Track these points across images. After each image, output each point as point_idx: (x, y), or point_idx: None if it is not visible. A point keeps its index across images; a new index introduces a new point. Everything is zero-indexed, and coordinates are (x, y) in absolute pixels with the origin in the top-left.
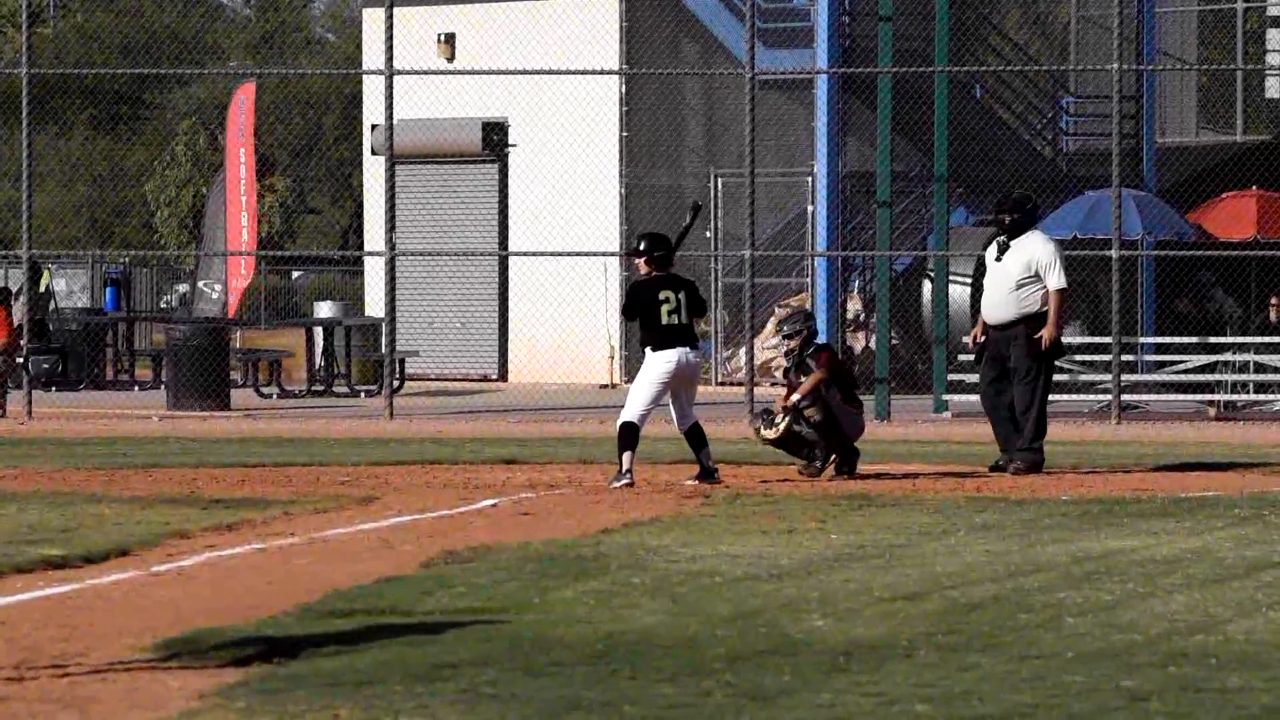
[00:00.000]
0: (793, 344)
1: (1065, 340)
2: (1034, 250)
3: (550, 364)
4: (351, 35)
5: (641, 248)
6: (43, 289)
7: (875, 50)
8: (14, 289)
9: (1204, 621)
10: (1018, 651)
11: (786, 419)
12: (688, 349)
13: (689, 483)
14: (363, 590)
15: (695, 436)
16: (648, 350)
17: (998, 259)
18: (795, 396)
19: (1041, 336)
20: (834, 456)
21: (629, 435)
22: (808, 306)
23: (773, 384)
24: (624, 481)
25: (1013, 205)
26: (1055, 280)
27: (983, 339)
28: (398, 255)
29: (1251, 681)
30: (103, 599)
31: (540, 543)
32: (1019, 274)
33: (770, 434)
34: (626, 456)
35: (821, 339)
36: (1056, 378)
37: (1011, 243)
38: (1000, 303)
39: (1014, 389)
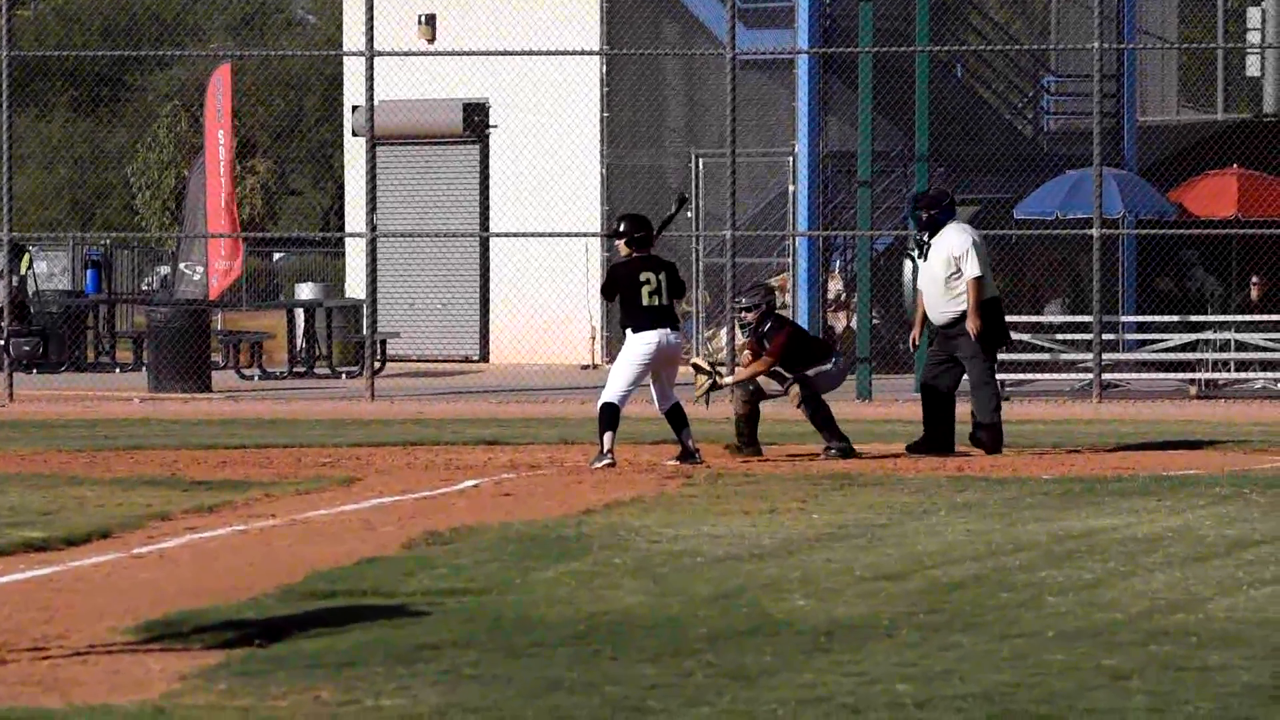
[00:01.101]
0: (750, 317)
1: (1050, 319)
2: (950, 242)
3: (531, 345)
4: (332, 16)
5: (621, 229)
6: (24, 271)
7: (856, 30)
8: None
9: (1185, 600)
10: (999, 630)
11: (708, 384)
12: (668, 330)
13: (670, 463)
14: (344, 572)
15: (676, 417)
16: (628, 331)
17: (923, 259)
18: (728, 379)
19: (978, 327)
20: (828, 441)
21: (610, 416)
22: (772, 281)
23: None
24: (605, 462)
25: (929, 201)
26: (971, 268)
27: (919, 342)
28: (379, 237)
29: (1232, 659)
30: (84, 581)
31: (522, 523)
32: (944, 271)
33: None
34: (607, 437)
35: (781, 314)
36: (1038, 356)
37: (932, 241)
38: (937, 304)
39: (968, 373)
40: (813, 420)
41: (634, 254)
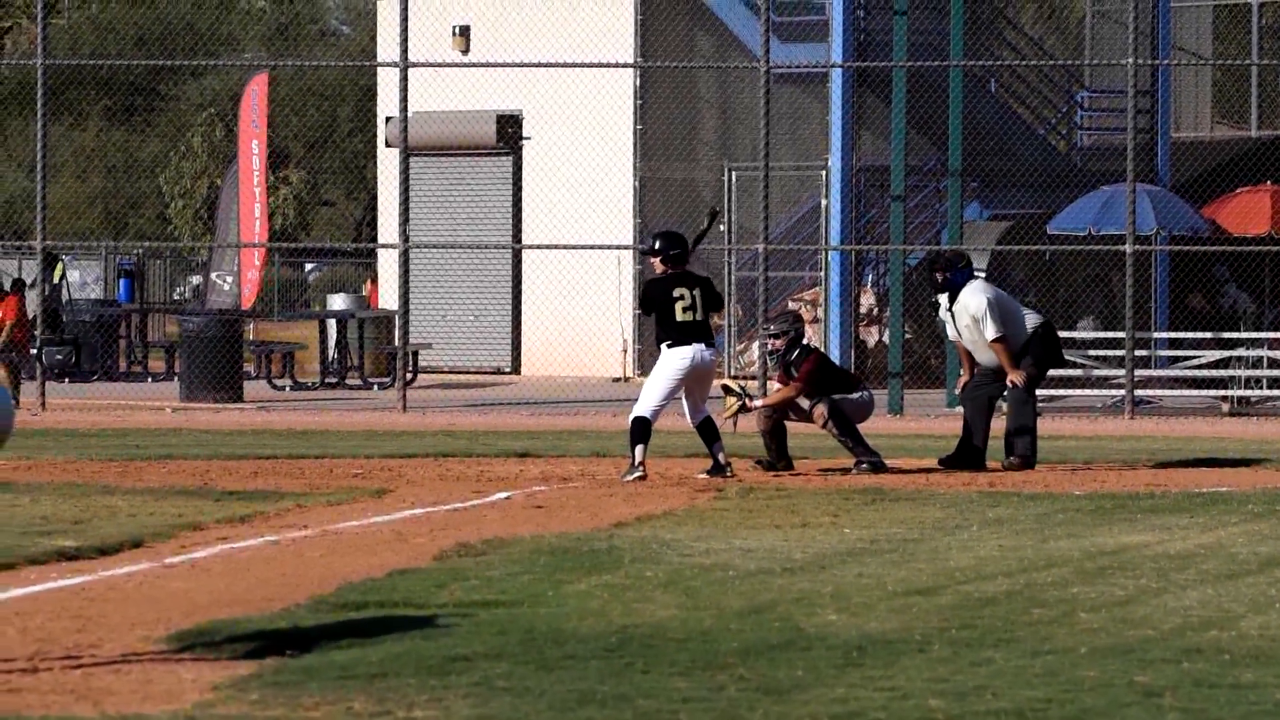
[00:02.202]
0: (778, 344)
1: (1083, 335)
2: (971, 307)
3: (563, 357)
4: (366, 27)
5: (657, 247)
6: (57, 280)
7: (890, 44)
8: (28, 280)
9: (1217, 617)
10: (1031, 646)
11: (737, 406)
12: (703, 346)
13: (701, 476)
14: (375, 583)
15: (708, 430)
16: (663, 347)
17: (951, 319)
18: (758, 403)
19: (1022, 377)
20: (859, 457)
21: (641, 429)
22: (801, 307)
23: None
24: (636, 475)
25: (944, 264)
26: (991, 331)
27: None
28: (411, 248)
29: (1265, 677)
30: (116, 590)
31: (553, 536)
32: (977, 334)
33: (729, 415)
34: (639, 450)
35: (806, 342)
36: (1070, 373)
37: (954, 308)
38: (987, 359)
39: (1008, 391)
40: (840, 439)
41: (668, 270)
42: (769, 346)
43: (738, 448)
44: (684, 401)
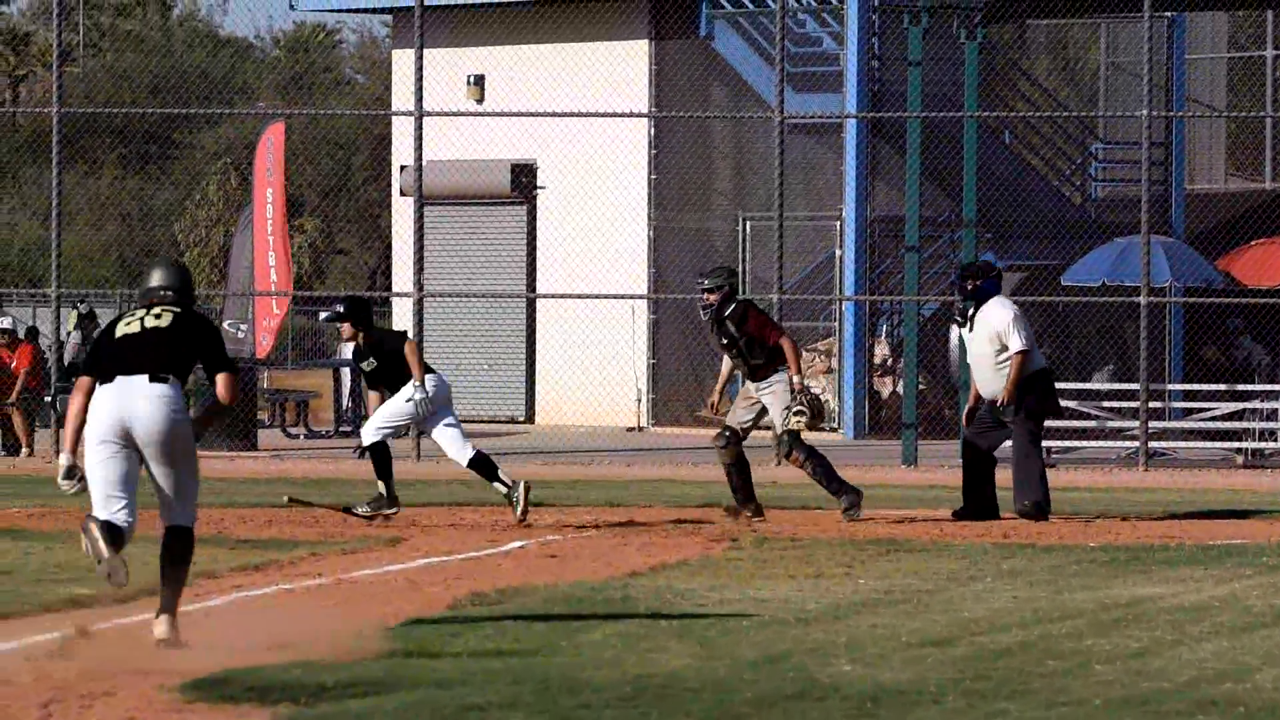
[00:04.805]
0: (711, 298)
1: (1097, 386)
2: (993, 320)
3: (577, 407)
4: (381, 76)
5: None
6: (71, 327)
7: (904, 95)
8: (69, 327)
9: (1232, 669)
10: (1045, 698)
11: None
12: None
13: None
14: (390, 632)
15: (483, 465)
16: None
17: (968, 330)
18: (797, 383)
19: (1010, 395)
20: (841, 496)
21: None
22: (815, 357)
23: None
24: (391, 510)
25: (976, 271)
26: (1016, 343)
27: (971, 405)
28: (426, 296)
29: None
30: (130, 638)
31: (567, 585)
32: (990, 348)
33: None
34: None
35: (741, 296)
36: (1084, 424)
37: (975, 318)
38: (988, 380)
39: (1012, 442)
40: (815, 477)
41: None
42: (704, 300)
43: (715, 495)
44: (449, 445)
